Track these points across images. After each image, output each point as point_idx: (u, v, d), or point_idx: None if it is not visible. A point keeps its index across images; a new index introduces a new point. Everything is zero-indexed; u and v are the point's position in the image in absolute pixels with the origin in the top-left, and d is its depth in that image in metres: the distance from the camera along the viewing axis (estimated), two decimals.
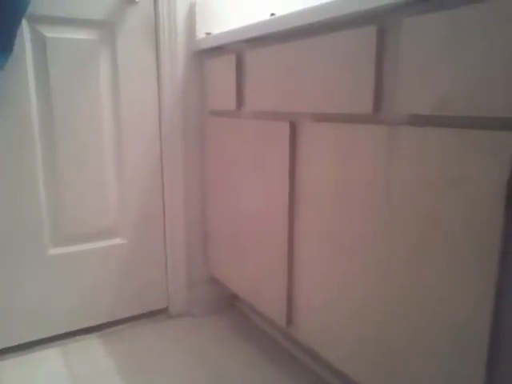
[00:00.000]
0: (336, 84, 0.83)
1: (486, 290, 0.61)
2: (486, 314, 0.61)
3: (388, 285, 0.76)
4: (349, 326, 0.86)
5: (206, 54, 1.30)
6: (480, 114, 0.60)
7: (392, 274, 0.75)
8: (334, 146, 0.84)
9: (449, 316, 0.66)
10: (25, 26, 1.11)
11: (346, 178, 0.82)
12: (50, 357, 1.20)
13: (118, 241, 1.34)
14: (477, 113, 0.61)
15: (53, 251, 1.24)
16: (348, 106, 0.80)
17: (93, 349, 1.24)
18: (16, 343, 1.22)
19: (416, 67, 0.68)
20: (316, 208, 0.91)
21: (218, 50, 1.24)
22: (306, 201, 0.94)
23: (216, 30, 1.30)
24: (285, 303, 1.04)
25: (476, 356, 0.63)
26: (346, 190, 0.83)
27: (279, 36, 1.00)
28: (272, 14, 1.08)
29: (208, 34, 1.29)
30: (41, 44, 1.14)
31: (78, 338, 1.29)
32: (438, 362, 0.69)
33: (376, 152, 0.76)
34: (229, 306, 1.51)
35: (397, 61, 0.72)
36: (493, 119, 0.60)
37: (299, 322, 1.01)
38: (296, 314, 1.02)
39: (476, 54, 0.60)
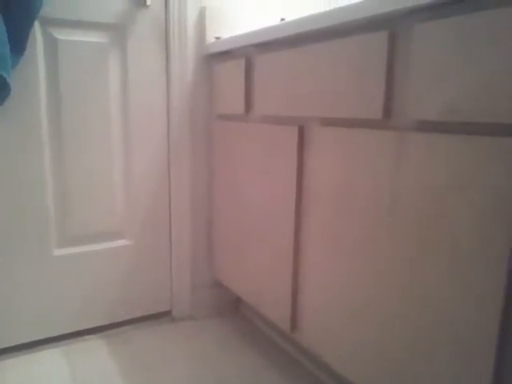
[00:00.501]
0: (345, 89, 0.83)
1: (491, 294, 0.60)
2: (492, 318, 0.61)
3: (394, 292, 0.76)
4: (353, 332, 0.85)
5: (216, 58, 1.31)
6: (486, 120, 0.60)
7: (397, 281, 0.75)
8: (342, 151, 0.85)
9: (452, 319, 0.66)
10: (37, 29, 1.12)
11: (353, 182, 0.82)
12: (53, 357, 1.20)
13: (123, 242, 1.34)
14: (483, 119, 0.61)
15: (58, 252, 1.24)
16: (357, 111, 0.81)
17: (96, 350, 1.24)
18: (19, 342, 1.22)
19: (426, 73, 0.68)
20: (323, 212, 0.91)
21: (227, 54, 1.25)
22: (312, 205, 0.94)
23: (226, 34, 1.31)
24: (289, 308, 1.04)
25: (480, 358, 0.62)
26: (352, 195, 0.83)
27: (289, 41, 1.00)
28: (282, 19, 1.09)
29: (217, 38, 1.29)
30: (52, 46, 1.15)
31: (81, 338, 1.29)
32: (440, 364, 0.68)
33: (384, 158, 0.76)
34: (232, 309, 1.50)
35: (407, 66, 0.72)
36: (499, 125, 0.60)
37: (303, 326, 1.00)
38: (300, 319, 1.01)
39: (483, 61, 0.60)
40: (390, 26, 0.75)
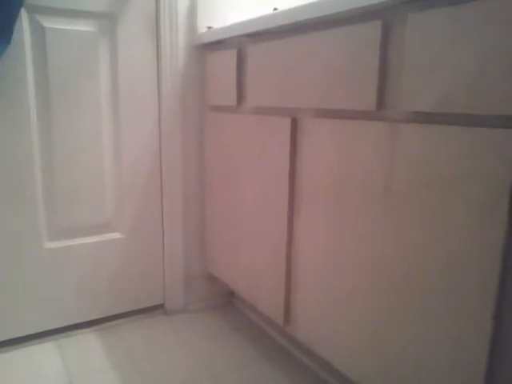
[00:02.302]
0: (339, 80, 0.82)
1: (486, 294, 0.60)
2: (485, 319, 0.60)
3: (388, 287, 0.75)
4: (347, 326, 0.85)
5: (207, 49, 1.29)
6: (483, 111, 0.59)
7: (391, 274, 0.74)
8: (335, 143, 0.83)
9: (447, 319, 0.66)
10: (24, 16, 1.09)
11: (347, 174, 0.81)
12: (45, 351, 1.19)
13: (114, 235, 1.32)
14: (477, 111, 0.60)
15: (49, 245, 1.23)
16: (351, 103, 0.79)
17: (88, 344, 1.23)
18: (10, 337, 1.21)
19: (420, 64, 0.67)
20: (315, 204, 0.90)
21: (219, 44, 1.23)
22: (305, 197, 0.93)
23: (218, 23, 1.29)
24: (282, 301, 1.03)
25: (474, 354, 0.62)
26: (345, 186, 0.82)
27: (281, 31, 0.99)
28: (275, 9, 1.07)
29: (209, 27, 1.27)
30: (40, 34, 1.12)
31: (73, 332, 1.28)
32: (434, 363, 0.68)
33: (378, 149, 0.75)
34: (226, 303, 1.50)
35: (401, 57, 0.71)
36: (493, 117, 0.59)
37: (297, 320, 1.00)
38: (294, 313, 1.01)
39: (479, 51, 0.59)
40: (383, 15, 0.74)
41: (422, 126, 0.67)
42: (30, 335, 1.24)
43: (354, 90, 0.78)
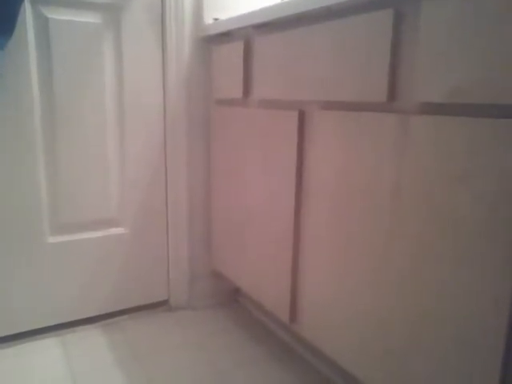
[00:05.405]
0: (348, 71, 0.79)
1: (501, 290, 0.57)
2: (499, 316, 0.58)
3: (395, 283, 0.73)
4: (353, 324, 0.83)
5: (214, 41, 1.26)
6: (498, 101, 0.56)
7: (399, 272, 0.72)
8: (344, 135, 0.81)
9: (454, 313, 0.63)
10: (27, 7, 1.08)
11: (356, 169, 0.79)
12: (48, 347, 1.18)
13: (118, 230, 1.31)
14: (495, 100, 0.57)
15: (52, 239, 1.22)
16: (361, 94, 0.77)
17: (91, 339, 1.22)
18: (13, 332, 1.20)
19: (433, 53, 0.64)
20: (323, 200, 0.87)
21: (225, 36, 1.20)
22: (313, 192, 0.91)
23: (224, 15, 1.26)
24: (288, 299, 1.01)
25: (486, 355, 0.60)
26: (355, 181, 0.79)
27: (289, 21, 0.96)
28: None
29: (216, 19, 1.25)
30: (43, 26, 1.10)
31: (76, 328, 1.27)
32: (443, 361, 0.66)
33: (388, 142, 0.72)
34: (231, 300, 1.48)
35: (414, 46, 0.68)
36: (509, 107, 0.56)
37: (303, 318, 0.98)
38: (300, 311, 0.99)
39: (494, 40, 0.56)
40: (395, 3, 0.71)
41: (435, 117, 0.64)
42: (33, 330, 1.23)
43: (364, 81, 0.76)
